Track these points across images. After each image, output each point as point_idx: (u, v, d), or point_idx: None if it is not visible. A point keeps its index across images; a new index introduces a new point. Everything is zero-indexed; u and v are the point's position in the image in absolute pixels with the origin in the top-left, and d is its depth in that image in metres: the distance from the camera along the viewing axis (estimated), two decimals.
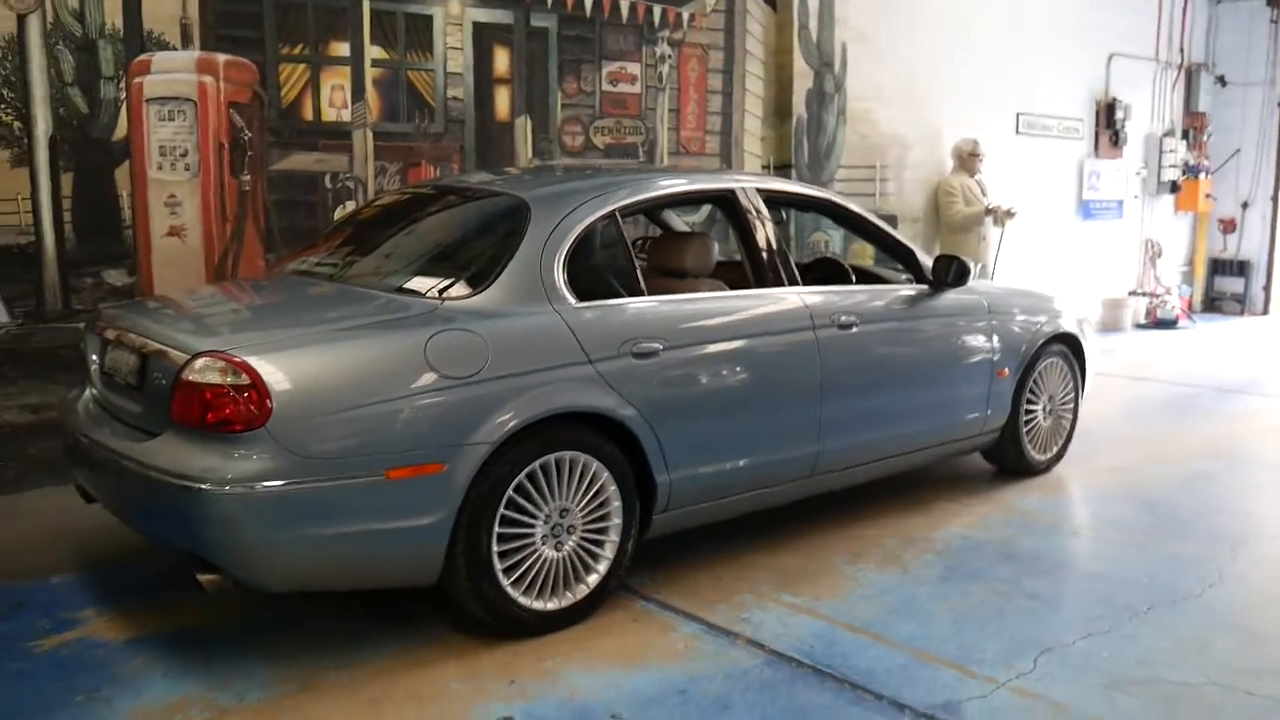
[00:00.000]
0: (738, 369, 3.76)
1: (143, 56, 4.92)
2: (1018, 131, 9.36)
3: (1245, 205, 11.22)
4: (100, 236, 4.90)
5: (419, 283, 3.39)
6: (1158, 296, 10.56)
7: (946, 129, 8.66)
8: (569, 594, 3.39)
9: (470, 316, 3.21)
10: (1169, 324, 10.36)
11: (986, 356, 4.73)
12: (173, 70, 5.00)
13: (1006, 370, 4.83)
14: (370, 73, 5.60)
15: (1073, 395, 5.31)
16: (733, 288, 4.01)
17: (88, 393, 3.62)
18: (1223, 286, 11.49)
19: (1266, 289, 11.22)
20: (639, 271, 3.64)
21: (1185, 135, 10.98)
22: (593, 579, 3.44)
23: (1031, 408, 5.06)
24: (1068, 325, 5.17)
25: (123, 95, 4.88)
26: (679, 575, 3.84)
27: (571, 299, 3.41)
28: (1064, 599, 3.76)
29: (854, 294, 4.29)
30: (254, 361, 2.86)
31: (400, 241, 3.82)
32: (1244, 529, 4.51)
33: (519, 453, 3.19)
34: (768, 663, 3.20)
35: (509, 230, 3.48)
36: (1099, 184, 10.18)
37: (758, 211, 4.04)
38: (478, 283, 3.32)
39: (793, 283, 4.05)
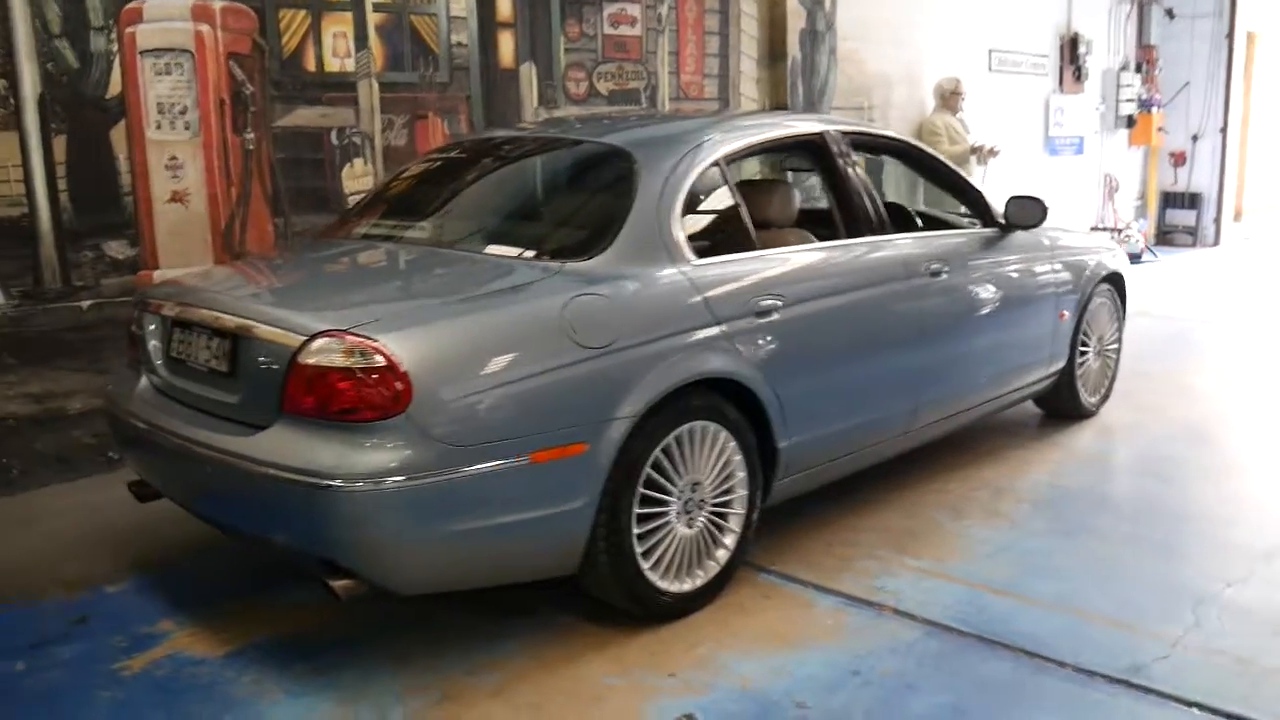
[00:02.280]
0: (847, 323, 3.57)
1: (133, 3, 4.43)
2: (990, 69, 9.29)
3: (1195, 138, 11.41)
4: (98, 205, 4.42)
5: (532, 244, 3.08)
6: (1120, 231, 10.68)
7: (926, 67, 8.54)
8: (700, 573, 3.16)
9: (597, 280, 2.92)
10: (1134, 258, 10.48)
11: (1052, 298, 4.62)
12: (167, 18, 4.51)
13: (1066, 313, 4.73)
14: (372, 18, 5.17)
15: (1117, 336, 5.26)
16: (817, 237, 3.79)
17: (144, 380, 3.22)
18: (1174, 219, 11.70)
19: (1217, 220, 11.46)
20: (748, 223, 3.39)
21: (1138, 69, 11.08)
22: (721, 554, 3.22)
23: (1084, 349, 4.98)
24: (1115, 264, 5.09)
25: (115, 47, 4.38)
26: (788, 544, 3.64)
27: (692, 256, 3.14)
28: (1182, 546, 3.68)
29: (938, 240, 4.11)
30: (386, 340, 2.53)
31: (489, 199, 3.49)
32: None
33: (655, 425, 2.93)
34: (928, 634, 3.04)
35: (617, 183, 3.19)
36: (1064, 120, 10.21)
37: (847, 155, 3.81)
38: (596, 243, 3.03)
39: (884, 230, 3.84)
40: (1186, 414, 5.30)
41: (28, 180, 4.21)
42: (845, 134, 3.88)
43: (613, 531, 2.87)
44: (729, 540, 3.24)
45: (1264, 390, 5.85)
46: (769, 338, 3.25)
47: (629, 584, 2.94)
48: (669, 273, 3.06)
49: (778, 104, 7.26)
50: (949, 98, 8.35)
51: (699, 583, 3.15)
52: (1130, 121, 10.91)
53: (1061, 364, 4.80)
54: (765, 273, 3.32)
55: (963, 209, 4.59)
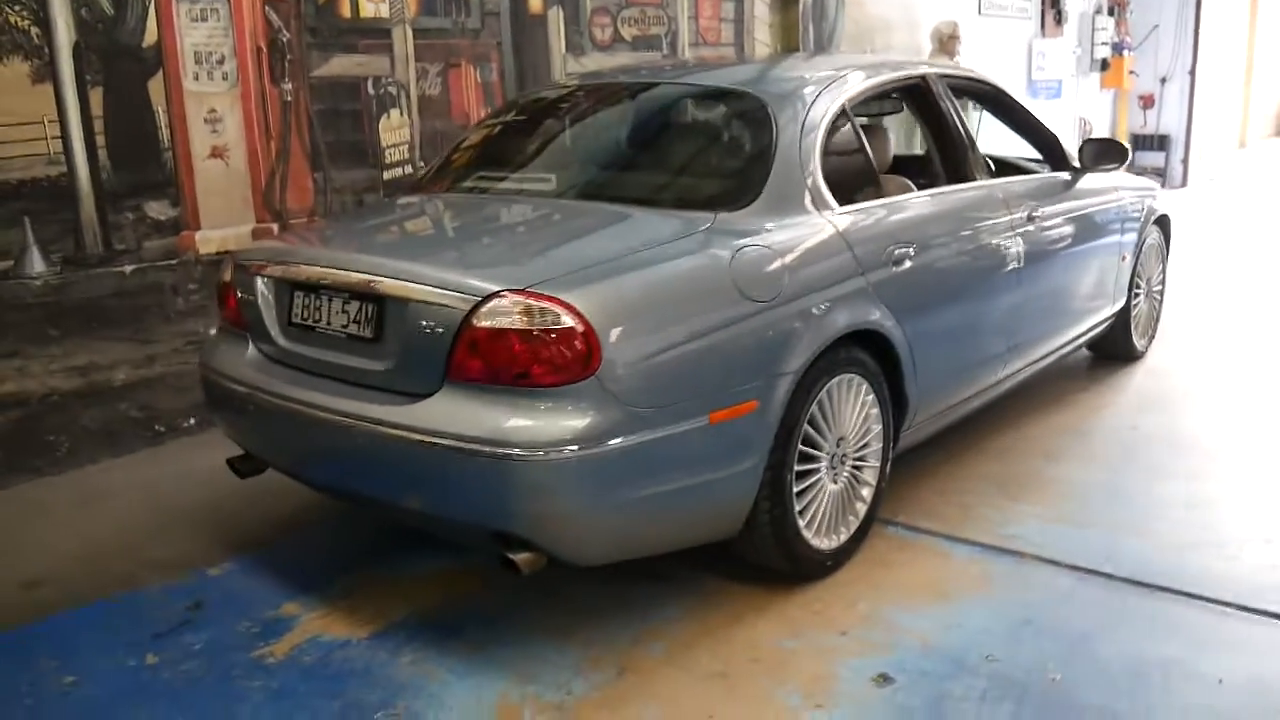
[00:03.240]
0: (964, 269, 3.50)
1: None
2: (980, 12, 9.26)
3: (1164, 81, 11.56)
4: (138, 162, 4.14)
5: (675, 195, 2.94)
6: None
7: (922, 11, 8.46)
8: (843, 529, 3.09)
9: (752, 231, 2.79)
10: None
11: (1117, 240, 4.61)
12: None
13: (1127, 254, 4.74)
14: None
15: (1163, 277, 5.30)
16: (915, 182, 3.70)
17: (252, 348, 3.01)
18: (1143, 161, 11.86)
19: (1185, 162, 11.66)
20: (875, 169, 3.28)
21: (1110, 12, 11.16)
22: (860, 508, 3.16)
23: (1136, 291, 4.99)
24: (1162, 206, 5.11)
25: None
26: (902, 495, 3.56)
27: (834, 204, 3.03)
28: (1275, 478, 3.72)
29: (1029, 184, 4.05)
30: (571, 298, 2.38)
31: (612, 148, 3.31)
32: None
33: (811, 379, 2.83)
34: (1080, 580, 3.01)
35: (754, 128, 3.06)
36: (1045, 63, 10.24)
37: (948, 98, 3.72)
38: (744, 192, 2.90)
39: (983, 175, 3.77)
40: (1221, 351, 5.37)
41: (65, 136, 3.91)
42: (943, 76, 3.79)
43: (775, 491, 2.78)
44: (866, 493, 3.17)
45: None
46: (903, 286, 3.16)
47: (789, 544, 2.86)
48: (818, 221, 2.95)
49: (790, 48, 7.13)
50: (946, 41, 8.29)
51: (844, 538, 3.09)
52: (1104, 65, 11.00)
53: (1121, 305, 4.81)
54: (898, 220, 3.23)
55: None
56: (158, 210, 4.20)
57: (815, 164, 3.01)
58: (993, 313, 3.69)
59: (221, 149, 4.34)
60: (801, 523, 2.90)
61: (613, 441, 2.41)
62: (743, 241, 2.73)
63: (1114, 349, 5.05)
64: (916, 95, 3.71)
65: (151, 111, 4.14)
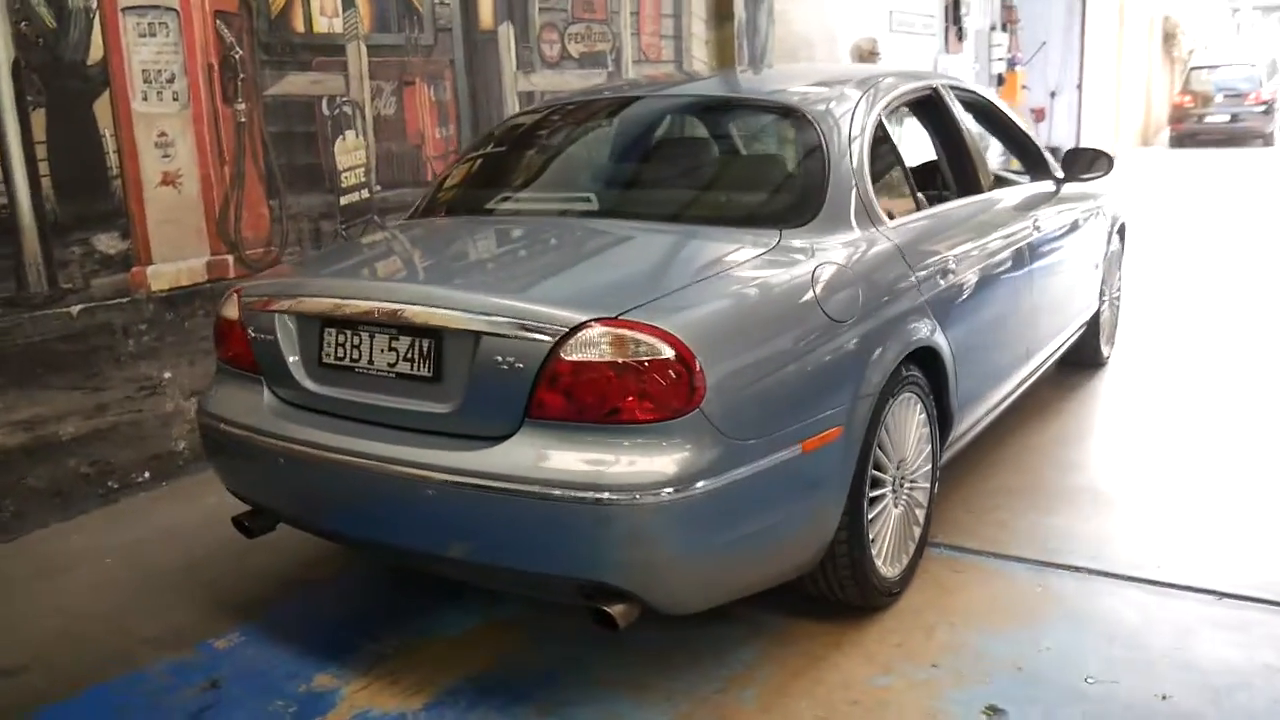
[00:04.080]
0: (993, 279, 3.44)
1: None
2: (891, 29, 9.42)
3: (1053, 94, 12.00)
4: (84, 191, 3.74)
5: (732, 213, 2.78)
6: None
7: (839, 29, 8.55)
8: (904, 554, 2.97)
9: (821, 249, 2.66)
10: None
11: (1093, 246, 4.66)
12: None
13: (1098, 261, 4.80)
14: None
15: (1119, 284, 5.40)
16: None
17: (268, 394, 2.70)
18: None
19: None
20: (911, 180, 3.19)
21: (1004, 28, 11.53)
22: (916, 532, 3.04)
23: (1101, 297, 5.06)
24: (1123, 214, 5.21)
25: (94, 4, 3.70)
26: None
27: (886, 218, 2.93)
28: None
29: (1031, 193, 4.05)
30: (669, 326, 2.19)
31: (644, 165, 3.13)
32: None
33: (881, 400, 2.70)
34: (1145, 591, 2.96)
35: (803, 144, 2.93)
36: None
37: (957, 109, 3.67)
38: (804, 209, 2.76)
39: (990, 185, 3.74)
40: (1173, 350, 5.50)
41: (4, 163, 3.50)
42: (950, 87, 3.75)
43: (854, 520, 2.64)
44: (920, 516, 3.06)
45: (1211, 317, 6.14)
46: (948, 298, 3.08)
47: (865, 574, 2.72)
48: (876, 236, 2.84)
49: (726, 65, 7.07)
50: (867, 56, 8.42)
51: (904, 565, 2.97)
52: (1000, 80, 11.35)
53: (1093, 311, 4.87)
54: (942, 233, 3.15)
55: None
56: (107, 244, 3.81)
57: (866, 178, 2.91)
58: (1012, 320, 3.67)
59: (173, 175, 3.98)
60: (873, 550, 2.76)
61: (715, 478, 2.22)
62: (818, 259, 2.59)
63: (1080, 356, 5.10)
64: (929, 106, 3.65)
65: (98, 135, 3.75)
